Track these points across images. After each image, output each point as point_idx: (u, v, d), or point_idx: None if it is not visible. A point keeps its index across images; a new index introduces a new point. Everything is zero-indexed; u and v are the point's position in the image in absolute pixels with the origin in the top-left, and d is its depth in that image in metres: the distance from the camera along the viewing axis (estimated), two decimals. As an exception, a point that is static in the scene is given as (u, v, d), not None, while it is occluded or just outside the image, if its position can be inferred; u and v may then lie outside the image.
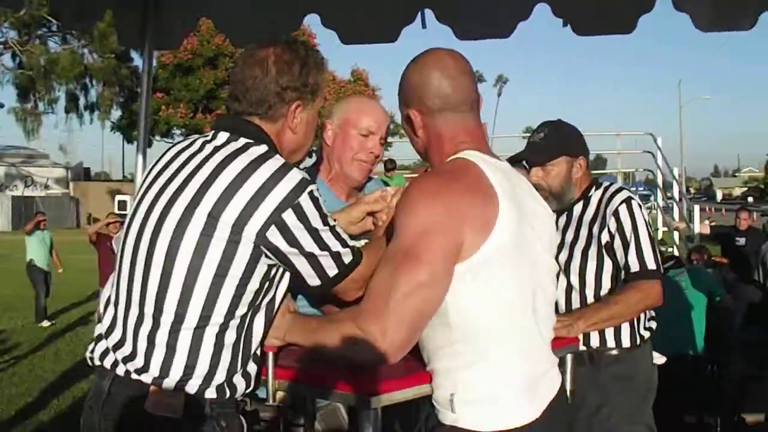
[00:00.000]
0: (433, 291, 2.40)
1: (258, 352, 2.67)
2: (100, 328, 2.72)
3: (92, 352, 2.69)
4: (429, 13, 5.06)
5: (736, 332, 8.24)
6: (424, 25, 5.09)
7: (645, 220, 4.12)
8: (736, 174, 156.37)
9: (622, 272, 4.08)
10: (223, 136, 2.69)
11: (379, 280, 2.43)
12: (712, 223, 16.55)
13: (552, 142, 4.18)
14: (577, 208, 4.26)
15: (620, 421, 4.19)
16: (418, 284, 2.36)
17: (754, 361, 7.81)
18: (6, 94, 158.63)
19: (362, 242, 3.39)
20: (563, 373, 2.88)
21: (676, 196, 16.26)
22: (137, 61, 58.06)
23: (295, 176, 2.53)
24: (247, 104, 2.72)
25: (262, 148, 2.62)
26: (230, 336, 2.55)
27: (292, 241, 2.51)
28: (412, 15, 5.09)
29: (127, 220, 2.76)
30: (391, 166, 19.18)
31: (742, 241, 13.92)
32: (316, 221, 2.54)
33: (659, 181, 16.24)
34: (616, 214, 4.07)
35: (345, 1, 5.24)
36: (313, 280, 2.62)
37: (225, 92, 50.88)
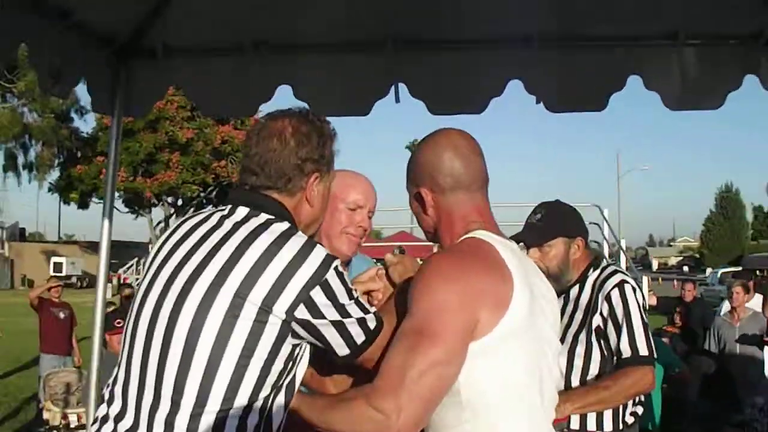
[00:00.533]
0: (448, 369, 2.39)
1: None
2: (104, 409, 2.62)
3: None
4: (402, 88, 5.08)
5: (692, 404, 8.29)
6: (397, 99, 5.11)
7: (639, 304, 4.08)
8: (672, 243, 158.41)
9: (614, 357, 4.04)
10: (242, 211, 2.65)
11: (393, 358, 2.41)
12: (649, 292, 16.70)
13: (549, 223, 4.20)
14: (574, 291, 4.26)
15: None
16: (434, 362, 2.35)
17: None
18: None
19: None
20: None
21: (623, 266, 16.44)
22: (77, 122, 57.90)
23: (320, 253, 2.51)
24: (265, 177, 2.69)
25: (284, 225, 2.60)
26: (252, 419, 2.47)
27: (321, 315, 2.48)
28: (385, 89, 5.12)
29: (138, 296, 2.67)
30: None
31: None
32: (342, 297, 2.53)
33: (606, 252, 16.40)
34: (608, 298, 4.06)
35: (318, 74, 5.26)
36: (343, 350, 2.58)
37: (164, 156, 50.76)
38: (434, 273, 2.49)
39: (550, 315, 2.76)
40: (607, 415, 4.14)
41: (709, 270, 54.43)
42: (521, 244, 4.10)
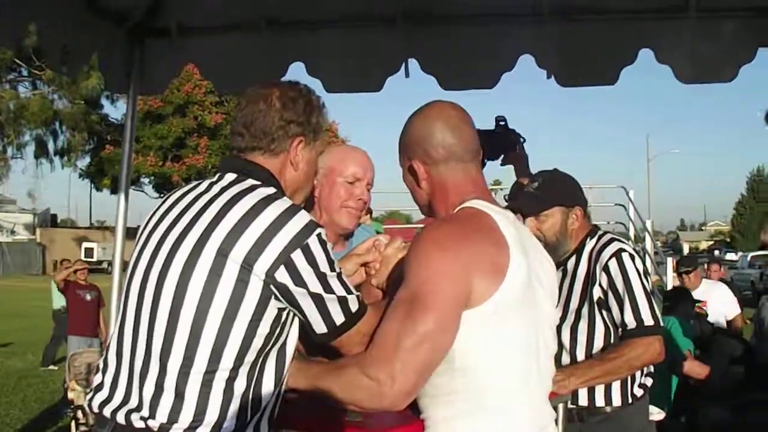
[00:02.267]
0: (441, 338, 2.38)
1: (271, 407, 2.61)
2: (99, 377, 2.66)
3: (92, 400, 2.62)
4: (414, 63, 5.10)
5: (716, 384, 8.09)
6: (407, 75, 5.13)
7: (638, 272, 4.00)
8: (703, 227, 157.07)
9: (619, 329, 3.98)
10: (229, 176, 2.69)
11: (386, 327, 2.40)
12: (675, 274, 16.56)
13: (545, 192, 4.12)
14: (571, 263, 4.20)
15: None
16: (427, 332, 2.34)
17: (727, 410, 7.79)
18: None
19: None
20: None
21: (649, 248, 16.34)
22: (107, 108, 58.05)
23: (303, 217, 2.52)
24: (250, 137, 2.72)
25: (270, 189, 2.61)
26: (240, 384, 2.48)
27: (300, 282, 2.47)
28: (397, 65, 5.14)
29: (130, 265, 2.70)
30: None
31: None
32: (324, 266, 2.51)
33: (631, 233, 16.35)
34: (606, 269, 4.00)
35: (330, 51, 5.29)
36: (320, 327, 2.56)
37: (194, 141, 50.92)
38: (428, 241, 2.47)
39: (548, 286, 2.74)
40: (616, 389, 4.10)
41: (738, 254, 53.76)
42: (518, 214, 4.06)
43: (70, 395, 9.54)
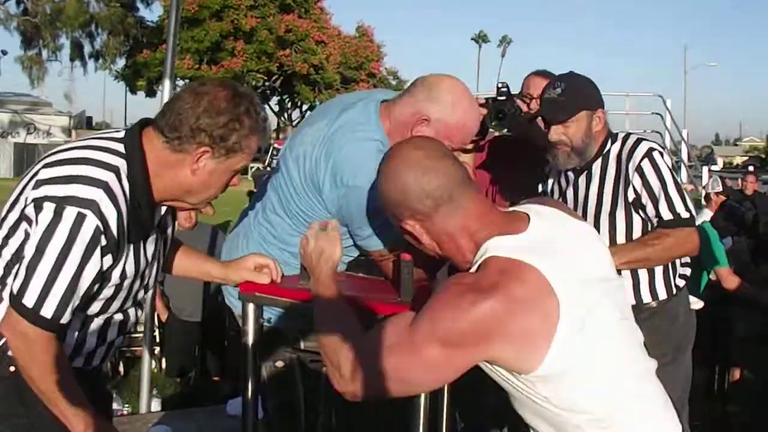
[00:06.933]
0: (416, 376, 2.32)
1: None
2: None
3: None
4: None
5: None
6: None
7: (669, 168, 4.00)
8: (738, 143, 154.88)
9: (654, 221, 3.97)
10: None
11: (373, 344, 2.35)
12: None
13: (570, 97, 3.99)
14: (596, 166, 4.12)
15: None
16: (406, 372, 2.30)
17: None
18: (9, 39, 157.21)
19: None
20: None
21: (684, 158, 16.17)
22: (142, 11, 57.69)
23: (93, 172, 2.58)
24: (165, 124, 2.66)
25: (111, 157, 2.65)
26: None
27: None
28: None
29: None
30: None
31: (747, 205, 13.74)
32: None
33: (667, 142, 16.19)
34: (639, 170, 3.96)
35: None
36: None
37: (230, 44, 50.75)
38: (450, 299, 2.25)
39: (605, 267, 2.52)
40: (659, 282, 4.12)
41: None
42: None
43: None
